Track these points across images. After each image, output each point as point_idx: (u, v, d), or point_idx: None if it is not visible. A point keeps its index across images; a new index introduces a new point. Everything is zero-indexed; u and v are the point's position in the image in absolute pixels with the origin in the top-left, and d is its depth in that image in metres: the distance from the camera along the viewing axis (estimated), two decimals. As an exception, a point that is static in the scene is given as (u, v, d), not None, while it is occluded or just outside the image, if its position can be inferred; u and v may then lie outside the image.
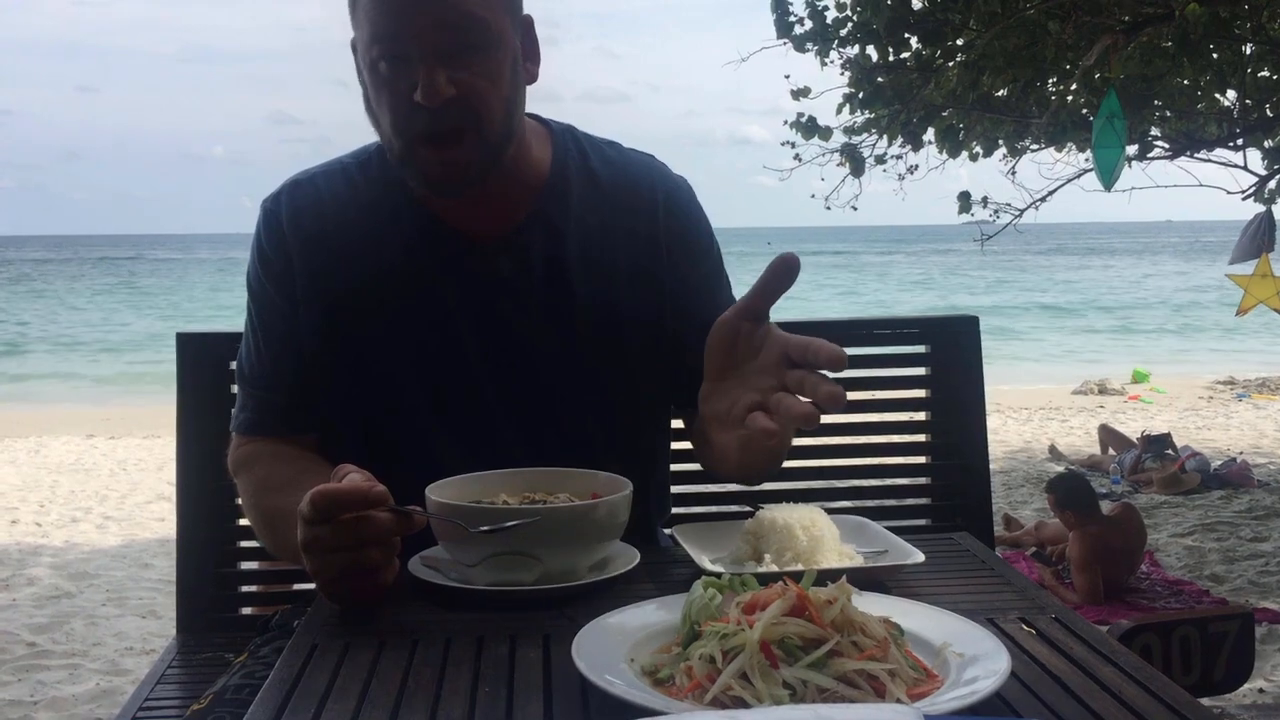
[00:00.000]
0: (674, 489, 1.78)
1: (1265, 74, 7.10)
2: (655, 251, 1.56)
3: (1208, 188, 7.99)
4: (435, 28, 1.34)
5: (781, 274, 1.21)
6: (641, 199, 1.58)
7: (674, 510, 1.79)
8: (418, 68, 1.35)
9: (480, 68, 1.37)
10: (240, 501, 1.63)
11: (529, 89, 1.49)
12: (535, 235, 1.52)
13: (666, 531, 1.62)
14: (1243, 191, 7.66)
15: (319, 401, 1.53)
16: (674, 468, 1.76)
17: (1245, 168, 7.69)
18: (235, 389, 1.97)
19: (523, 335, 1.51)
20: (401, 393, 1.51)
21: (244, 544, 2.03)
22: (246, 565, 2.09)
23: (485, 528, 1.20)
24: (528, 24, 1.48)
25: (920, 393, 2.10)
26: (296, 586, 2.02)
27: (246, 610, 2.06)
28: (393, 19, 1.35)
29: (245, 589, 2.07)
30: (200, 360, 2.00)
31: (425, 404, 1.50)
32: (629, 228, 1.56)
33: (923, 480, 2.12)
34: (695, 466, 1.75)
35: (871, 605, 1.00)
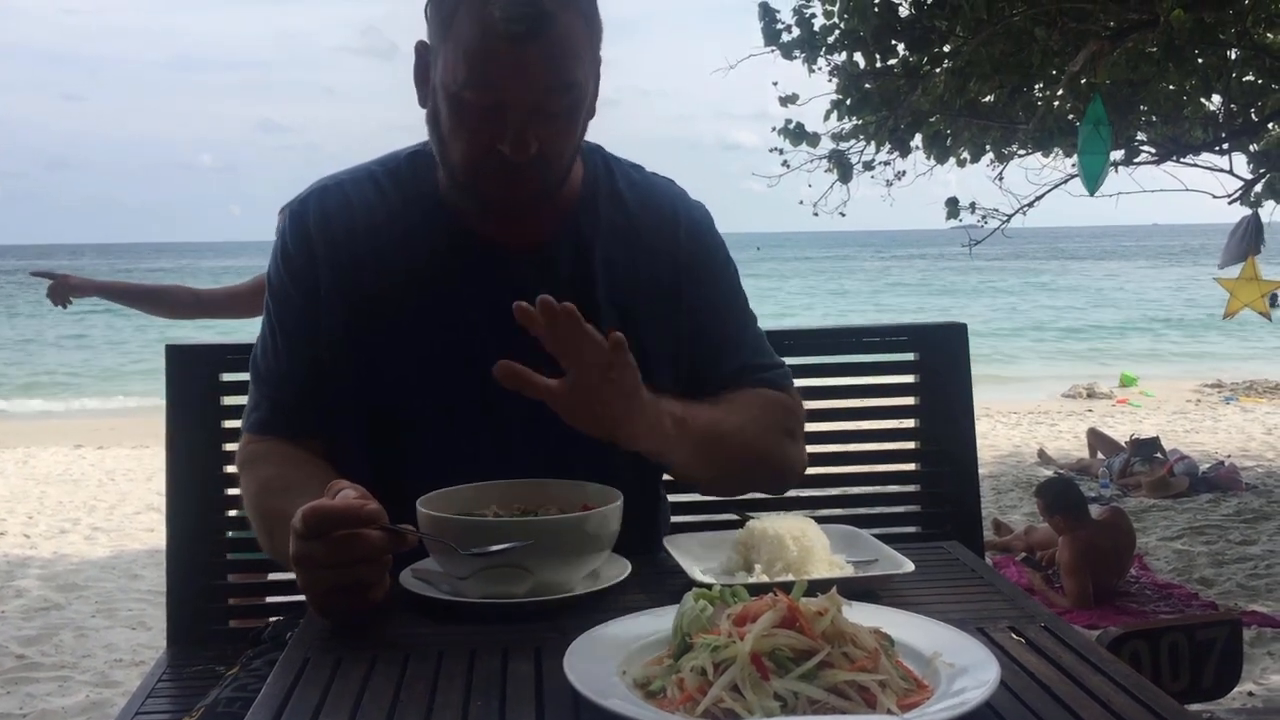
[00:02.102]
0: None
1: (1250, 79, 7.14)
2: (676, 269, 1.60)
3: (1194, 192, 8.05)
4: (541, 90, 1.37)
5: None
6: (664, 220, 1.62)
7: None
8: (507, 116, 1.37)
9: (565, 124, 1.42)
10: (243, 510, 1.62)
11: None
12: (564, 250, 1.55)
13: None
14: (1228, 195, 7.71)
15: (331, 404, 1.54)
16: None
17: (1231, 172, 7.74)
18: (227, 399, 1.99)
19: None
20: (416, 396, 1.51)
21: (234, 556, 2.03)
22: (236, 578, 2.08)
23: (476, 550, 1.20)
24: (599, 64, 1.49)
25: (909, 400, 2.11)
26: (286, 599, 2.01)
27: (234, 623, 2.05)
28: (500, 70, 1.36)
29: (235, 601, 2.06)
30: (189, 371, 2.00)
31: (440, 409, 1.51)
32: (651, 246, 1.59)
33: (912, 488, 2.12)
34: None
35: (862, 615, 1.00)
